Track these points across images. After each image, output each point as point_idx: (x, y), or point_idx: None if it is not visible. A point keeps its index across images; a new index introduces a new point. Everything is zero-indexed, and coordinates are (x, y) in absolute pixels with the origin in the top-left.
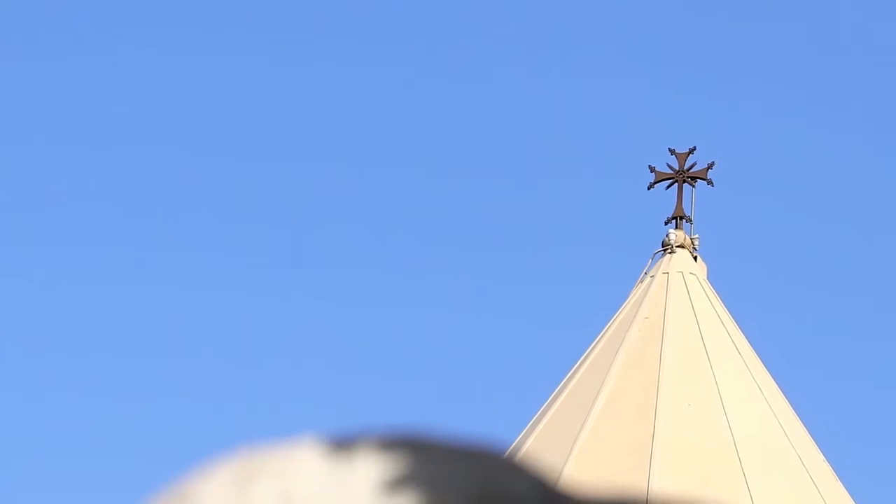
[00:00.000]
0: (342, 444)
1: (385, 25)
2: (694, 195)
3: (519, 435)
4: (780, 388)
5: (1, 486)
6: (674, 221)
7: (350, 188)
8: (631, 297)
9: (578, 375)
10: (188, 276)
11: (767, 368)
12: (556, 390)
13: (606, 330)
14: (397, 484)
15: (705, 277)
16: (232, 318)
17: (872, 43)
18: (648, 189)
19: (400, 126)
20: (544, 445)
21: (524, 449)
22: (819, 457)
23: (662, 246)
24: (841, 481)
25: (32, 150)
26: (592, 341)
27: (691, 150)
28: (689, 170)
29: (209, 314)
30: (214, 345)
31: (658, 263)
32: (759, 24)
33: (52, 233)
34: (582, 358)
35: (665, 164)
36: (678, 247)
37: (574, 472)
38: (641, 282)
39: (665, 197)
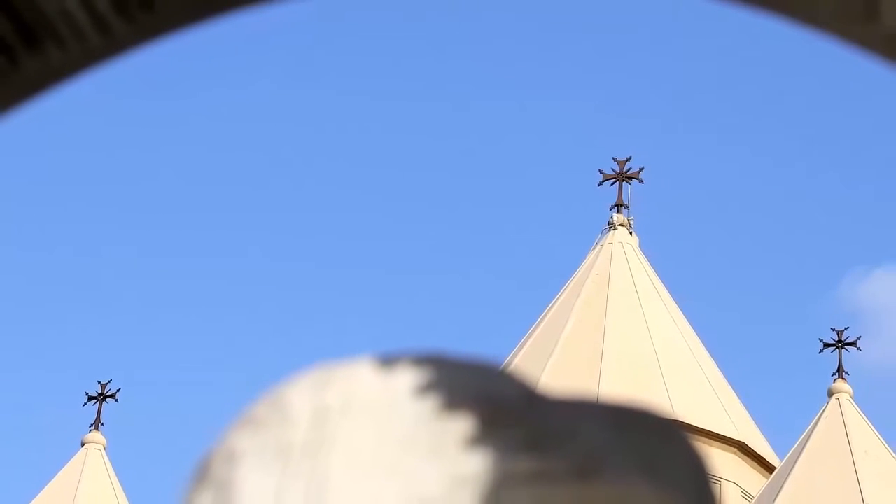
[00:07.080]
0: (387, 361)
1: (378, 61)
2: (630, 190)
3: (509, 354)
4: (688, 320)
5: (135, 394)
6: (616, 208)
7: (382, 185)
8: (586, 259)
9: (551, 313)
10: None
11: (680, 307)
12: (535, 323)
13: (570, 282)
14: (424, 388)
15: (637, 246)
16: (304, 285)
17: (764, 76)
18: (598, 185)
19: (409, 136)
20: (527, 361)
21: (513, 364)
22: (715, 368)
23: (608, 224)
24: (732, 387)
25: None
26: (560, 289)
27: (628, 158)
28: (626, 172)
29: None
30: (305, 300)
31: (605, 237)
32: (680, 64)
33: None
34: (553, 301)
35: (610, 167)
36: (619, 225)
37: (548, 381)
38: (593, 249)
39: (610, 191)
